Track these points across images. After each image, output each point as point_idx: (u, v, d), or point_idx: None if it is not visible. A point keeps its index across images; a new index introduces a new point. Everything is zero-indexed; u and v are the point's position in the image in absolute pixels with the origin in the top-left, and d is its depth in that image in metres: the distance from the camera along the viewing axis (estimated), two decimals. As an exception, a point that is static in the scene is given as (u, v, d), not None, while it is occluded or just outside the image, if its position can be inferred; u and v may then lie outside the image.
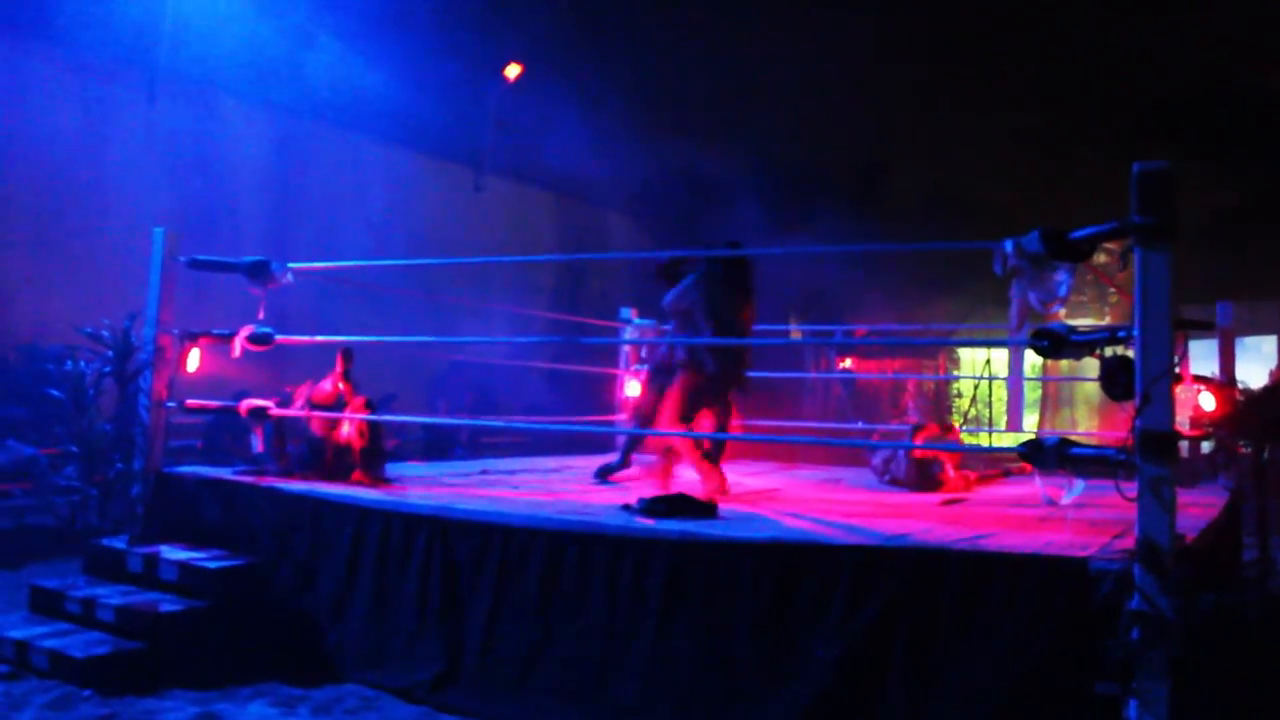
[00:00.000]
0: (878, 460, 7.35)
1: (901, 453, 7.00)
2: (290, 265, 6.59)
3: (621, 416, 9.39)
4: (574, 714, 4.65)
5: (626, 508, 5.32)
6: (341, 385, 6.55)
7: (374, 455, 6.42)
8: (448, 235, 14.77)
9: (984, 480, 6.99)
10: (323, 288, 8.92)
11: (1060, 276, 4.83)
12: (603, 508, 5.43)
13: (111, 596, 5.58)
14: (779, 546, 4.50)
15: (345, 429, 6.35)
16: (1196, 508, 5.61)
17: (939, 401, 15.15)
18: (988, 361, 15.39)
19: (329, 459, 6.35)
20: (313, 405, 6.45)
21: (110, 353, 6.42)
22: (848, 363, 14.56)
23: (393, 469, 6.82)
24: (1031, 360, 16.21)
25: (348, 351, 6.58)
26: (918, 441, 7.00)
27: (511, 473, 7.62)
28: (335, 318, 9.36)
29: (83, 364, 6.39)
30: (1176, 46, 14.10)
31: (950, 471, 7.00)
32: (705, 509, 5.23)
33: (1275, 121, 14.86)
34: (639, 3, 15.18)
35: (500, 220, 16.20)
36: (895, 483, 7.03)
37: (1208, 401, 7.44)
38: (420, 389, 13.24)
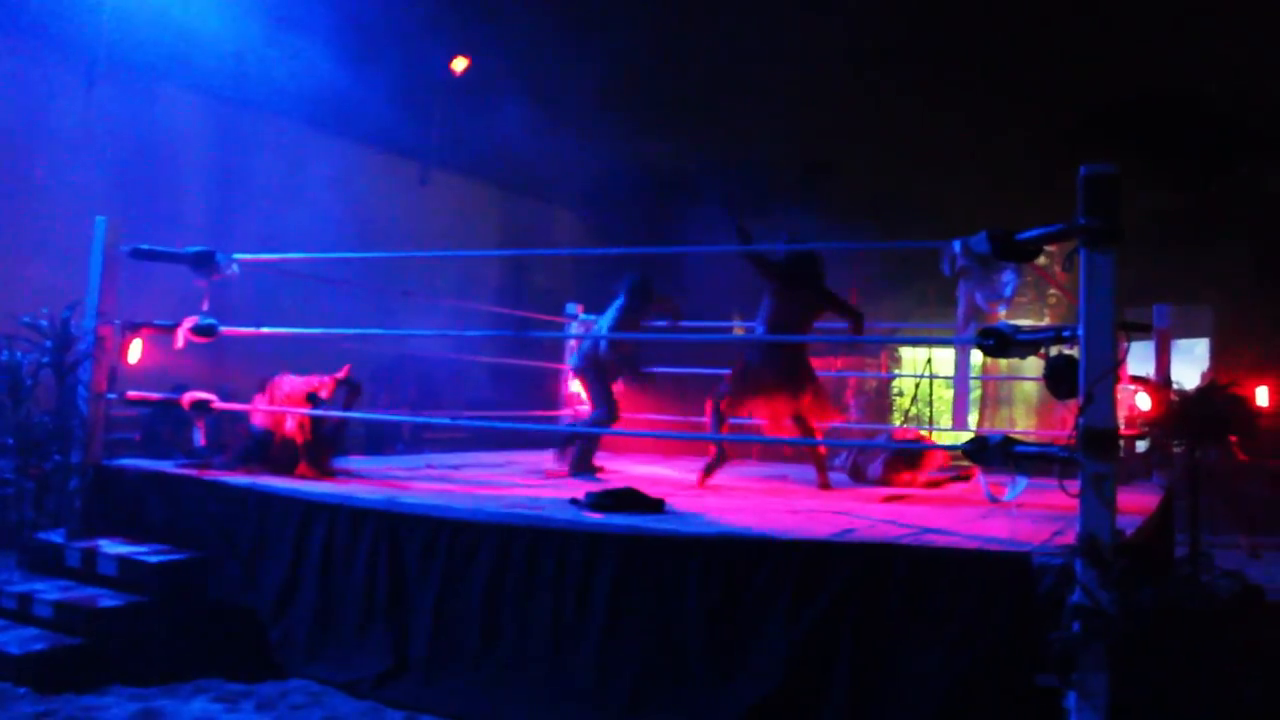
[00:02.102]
0: (843, 459, 7.54)
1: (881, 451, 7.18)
2: (236, 256, 6.52)
3: (565, 411, 9.39)
4: (523, 706, 4.64)
5: (574, 502, 5.33)
6: (325, 387, 6.51)
7: (321, 447, 6.39)
8: (394, 229, 14.64)
9: (932, 485, 7.08)
10: (266, 279, 8.80)
11: (1006, 277, 4.92)
12: (550, 502, 5.44)
13: (49, 592, 5.48)
14: (727, 541, 4.53)
15: (290, 423, 6.29)
16: (1133, 505, 5.71)
17: (880, 400, 15.29)
18: (929, 360, 15.60)
19: (277, 452, 6.30)
20: (290, 400, 6.42)
21: (49, 343, 6.31)
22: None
23: (336, 463, 6.76)
24: (975, 360, 16.44)
25: (352, 383, 6.65)
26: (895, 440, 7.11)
27: (456, 467, 7.59)
28: (279, 310, 9.25)
29: (19, 354, 6.27)
30: (1115, 51, 14.34)
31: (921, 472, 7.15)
32: (652, 504, 5.25)
33: (1208, 126, 15.18)
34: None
35: (447, 215, 16.08)
36: (866, 479, 7.22)
37: (1144, 402, 7.61)
38: (365, 382, 13.12)
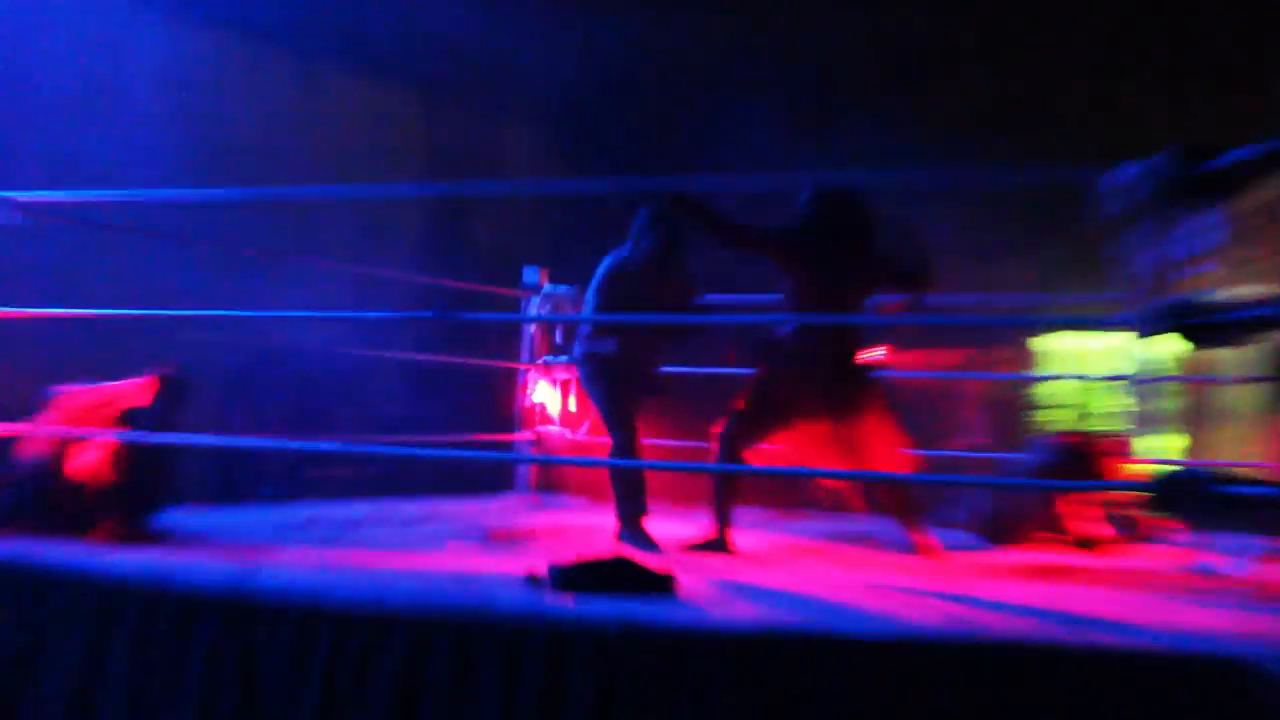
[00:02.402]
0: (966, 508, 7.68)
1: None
2: (13, 197, 6.53)
3: (523, 436, 9.49)
4: None
5: (533, 580, 5.28)
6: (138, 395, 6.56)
7: (134, 494, 6.36)
8: (262, 156, 14.64)
9: (1091, 545, 7.16)
10: (61, 233, 8.84)
11: (1207, 221, 4.96)
12: (494, 578, 5.41)
13: None
14: (774, 640, 4.49)
15: (87, 457, 6.23)
16: None
17: (1012, 414, 15.23)
18: (1079, 356, 15.55)
19: (62, 502, 6.30)
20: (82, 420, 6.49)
21: None
22: (880, 353, 14.65)
23: (157, 519, 6.70)
24: (1174, 352, 16.38)
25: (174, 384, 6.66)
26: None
27: (352, 524, 7.60)
28: (83, 281, 9.20)
29: None
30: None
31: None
32: (654, 581, 5.22)
33: None
34: None
35: (341, 134, 16.11)
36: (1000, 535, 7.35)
37: None
38: (210, 391, 13.04)
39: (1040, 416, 15.44)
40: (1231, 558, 4.83)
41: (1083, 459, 7.21)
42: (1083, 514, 7.24)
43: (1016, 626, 4.61)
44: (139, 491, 6.39)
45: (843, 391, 6.85)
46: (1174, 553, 6.57)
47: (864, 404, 6.86)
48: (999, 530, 7.34)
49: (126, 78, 13.87)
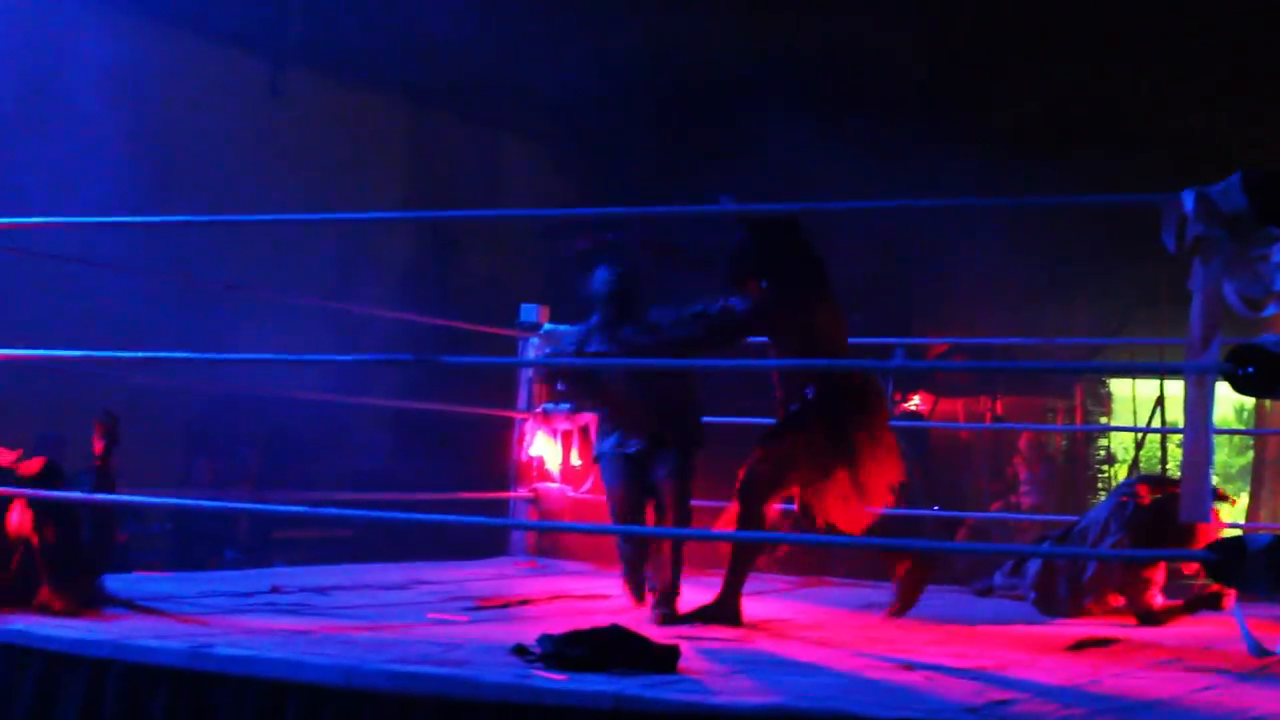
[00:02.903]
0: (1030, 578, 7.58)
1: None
2: None
3: (519, 494, 9.47)
4: None
5: (521, 652, 5.31)
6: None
7: (76, 561, 6.38)
8: (222, 175, 14.64)
9: (1152, 617, 7.12)
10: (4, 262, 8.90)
11: (1279, 255, 4.96)
12: (481, 651, 5.42)
13: None
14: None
15: (15, 517, 6.29)
16: None
17: (1074, 470, 15.23)
18: (1159, 402, 15.52)
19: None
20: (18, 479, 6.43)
21: None
22: (916, 401, 14.54)
23: (117, 584, 6.74)
24: (1240, 401, 16.27)
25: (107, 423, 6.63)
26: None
27: (323, 591, 7.59)
28: (15, 318, 9.27)
29: None
30: None
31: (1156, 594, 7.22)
32: (655, 655, 5.23)
33: None
34: None
35: (314, 149, 16.07)
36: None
37: None
38: (167, 442, 13.10)
39: (1105, 471, 15.47)
40: None
41: (1165, 521, 6.96)
42: (1148, 581, 7.22)
43: (1049, 711, 4.60)
44: (83, 556, 6.41)
45: (861, 435, 6.93)
46: (1229, 625, 6.50)
47: (878, 445, 6.96)
48: (1055, 601, 7.34)
49: (72, 85, 13.90)
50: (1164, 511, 6.96)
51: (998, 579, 8.05)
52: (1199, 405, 5.00)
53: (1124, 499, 7.40)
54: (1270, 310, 5.05)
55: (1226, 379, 4.72)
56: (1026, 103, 15.02)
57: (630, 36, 15.23)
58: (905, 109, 14.83)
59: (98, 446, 6.68)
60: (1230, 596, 6.91)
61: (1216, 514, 7.03)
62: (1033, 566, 7.63)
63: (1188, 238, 5.00)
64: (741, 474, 6.95)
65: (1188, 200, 4.95)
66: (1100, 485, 16.28)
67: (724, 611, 6.81)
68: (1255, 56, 14.34)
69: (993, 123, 14.71)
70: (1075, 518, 7.84)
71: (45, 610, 6.08)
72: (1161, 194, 5.10)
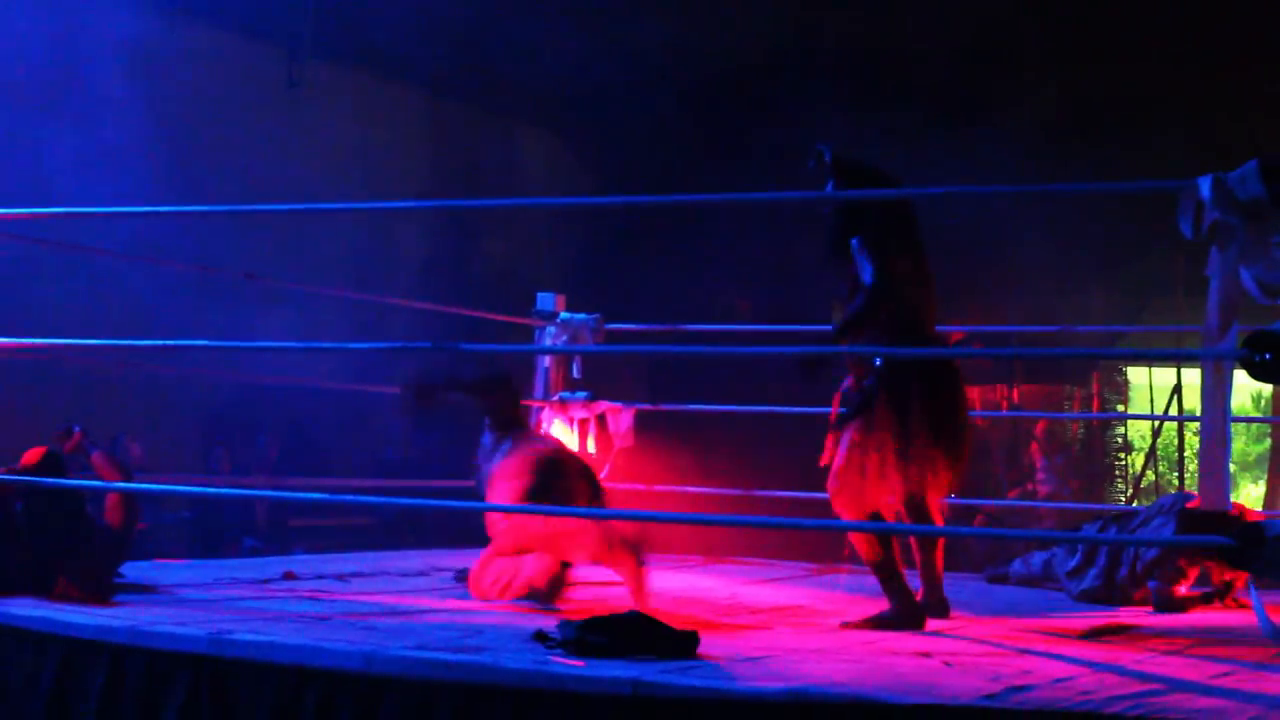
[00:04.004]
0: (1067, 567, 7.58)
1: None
2: None
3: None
4: None
5: (541, 638, 5.32)
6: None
7: (89, 551, 6.43)
8: (241, 164, 14.66)
9: (1172, 604, 7.11)
10: (12, 252, 8.88)
11: None
12: (499, 636, 5.43)
13: None
14: (808, 706, 4.50)
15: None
16: None
17: (1091, 458, 15.18)
18: (1176, 390, 15.49)
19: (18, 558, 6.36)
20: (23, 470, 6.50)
21: None
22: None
23: (136, 572, 6.79)
24: (1258, 389, 16.26)
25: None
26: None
27: (342, 578, 7.63)
28: (35, 306, 9.30)
29: None
30: None
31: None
32: (674, 641, 5.23)
33: None
34: None
35: (332, 139, 16.09)
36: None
37: None
38: (185, 431, 13.14)
39: (1121, 459, 15.43)
40: None
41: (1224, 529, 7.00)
42: (1181, 571, 7.16)
43: (1070, 690, 4.60)
44: (103, 546, 6.51)
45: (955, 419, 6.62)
46: (1245, 613, 6.51)
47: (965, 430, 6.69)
48: (1098, 592, 7.35)
49: (92, 75, 13.93)
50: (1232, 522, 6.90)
51: (1016, 566, 8.04)
52: (1216, 392, 5.00)
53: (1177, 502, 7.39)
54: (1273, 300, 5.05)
55: (1243, 365, 4.70)
56: (1048, 94, 14.97)
57: (649, 25, 15.17)
58: (928, 100, 14.80)
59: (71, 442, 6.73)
60: (1239, 583, 6.95)
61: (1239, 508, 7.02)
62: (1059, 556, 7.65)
63: (1205, 224, 5.00)
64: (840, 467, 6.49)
65: (1205, 187, 4.95)
66: (1117, 473, 16.27)
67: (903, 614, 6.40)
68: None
69: (1017, 115, 14.65)
70: (1109, 506, 7.75)
71: (65, 598, 6.11)
72: (1179, 180, 5.09)
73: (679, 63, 15.69)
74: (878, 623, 6.24)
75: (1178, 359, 14.70)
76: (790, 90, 14.81)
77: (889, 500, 6.48)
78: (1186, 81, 14.61)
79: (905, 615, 6.29)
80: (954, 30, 14.95)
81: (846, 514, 6.47)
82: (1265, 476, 16.55)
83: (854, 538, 6.55)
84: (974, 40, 14.97)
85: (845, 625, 6.29)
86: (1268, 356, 4.61)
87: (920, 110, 14.18)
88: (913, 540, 6.74)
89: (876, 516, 6.45)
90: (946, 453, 6.52)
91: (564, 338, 9.43)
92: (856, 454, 6.41)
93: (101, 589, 6.28)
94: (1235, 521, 5.87)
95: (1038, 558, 7.95)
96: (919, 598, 6.52)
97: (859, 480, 6.40)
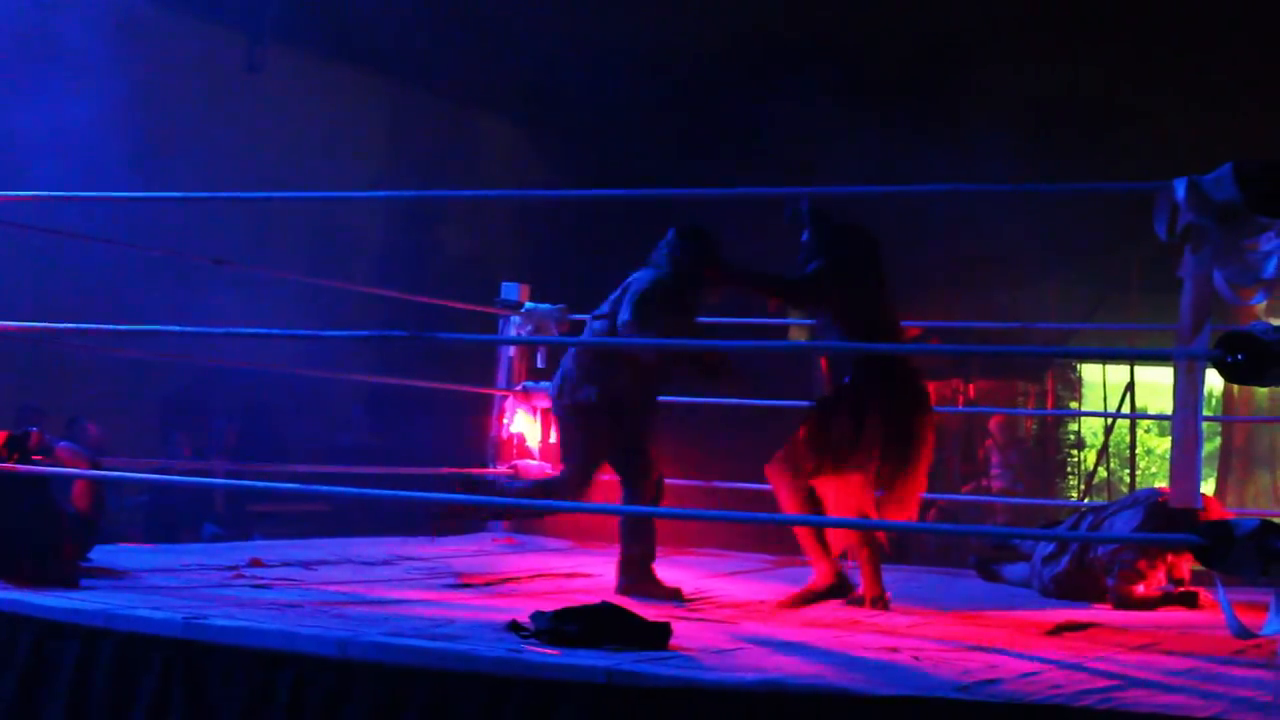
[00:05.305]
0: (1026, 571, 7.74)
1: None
2: None
3: (499, 471, 9.45)
4: None
5: (514, 627, 5.34)
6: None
7: (53, 537, 6.40)
8: (209, 149, 14.60)
9: (1134, 603, 7.15)
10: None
11: (1268, 244, 5.01)
12: (472, 626, 5.44)
13: None
14: (781, 698, 4.52)
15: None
16: None
17: (1045, 454, 15.26)
18: (1129, 388, 15.59)
19: None
20: None
21: None
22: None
23: (101, 555, 6.80)
24: (1210, 388, 16.34)
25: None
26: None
27: (307, 565, 7.62)
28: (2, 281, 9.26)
29: None
30: None
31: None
32: (647, 632, 5.26)
33: None
34: None
35: (292, 125, 16.02)
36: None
37: None
38: (143, 414, 13.08)
39: (1074, 455, 15.49)
40: (1272, 617, 4.85)
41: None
42: (1140, 572, 7.19)
43: (1040, 684, 4.65)
44: (72, 529, 6.49)
45: (908, 423, 6.89)
46: (1210, 610, 6.66)
47: (920, 436, 6.93)
48: (1072, 575, 7.41)
49: (49, 60, 13.84)
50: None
51: (1011, 570, 8.04)
52: (1188, 392, 5.04)
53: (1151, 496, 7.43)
54: (1259, 299, 5.10)
55: (1216, 366, 4.74)
56: (1012, 91, 15.02)
57: (615, 17, 15.18)
58: (891, 93, 14.83)
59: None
60: (1201, 599, 7.05)
61: (1211, 503, 7.09)
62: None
63: (1179, 226, 5.02)
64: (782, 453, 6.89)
65: (1180, 189, 4.97)
66: (1070, 470, 16.37)
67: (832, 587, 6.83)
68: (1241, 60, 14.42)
69: (982, 109, 14.68)
70: (1065, 502, 7.75)
71: (33, 583, 6.06)
72: (1155, 182, 5.12)
73: (645, 55, 15.68)
74: (805, 596, 6.71)
75: (1144, 358, 14.78)
76: (756, 83, 14.83)
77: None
78: (1152, 79, 14.69)
79: (832, 585, 6.76)
80: (919, 23, 15.01)
81: (778, 484, 6.85)
82: (1214, 475, 16.66)
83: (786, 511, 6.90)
84: (940, 33, 15.03)
85: (781, 605, 6.66)
86: (1240, 357, 4.64)
87: (884, 104, 14.20)
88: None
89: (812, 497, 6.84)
90: (895, 468, 6.82)
91: (528, 328, 9.43)
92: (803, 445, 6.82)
93: (70, 574, 6.26)
94: (1205, 519, 6.00)
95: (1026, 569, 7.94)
96: (862, 590, 6.83)
97: (799, 460, 6.82)
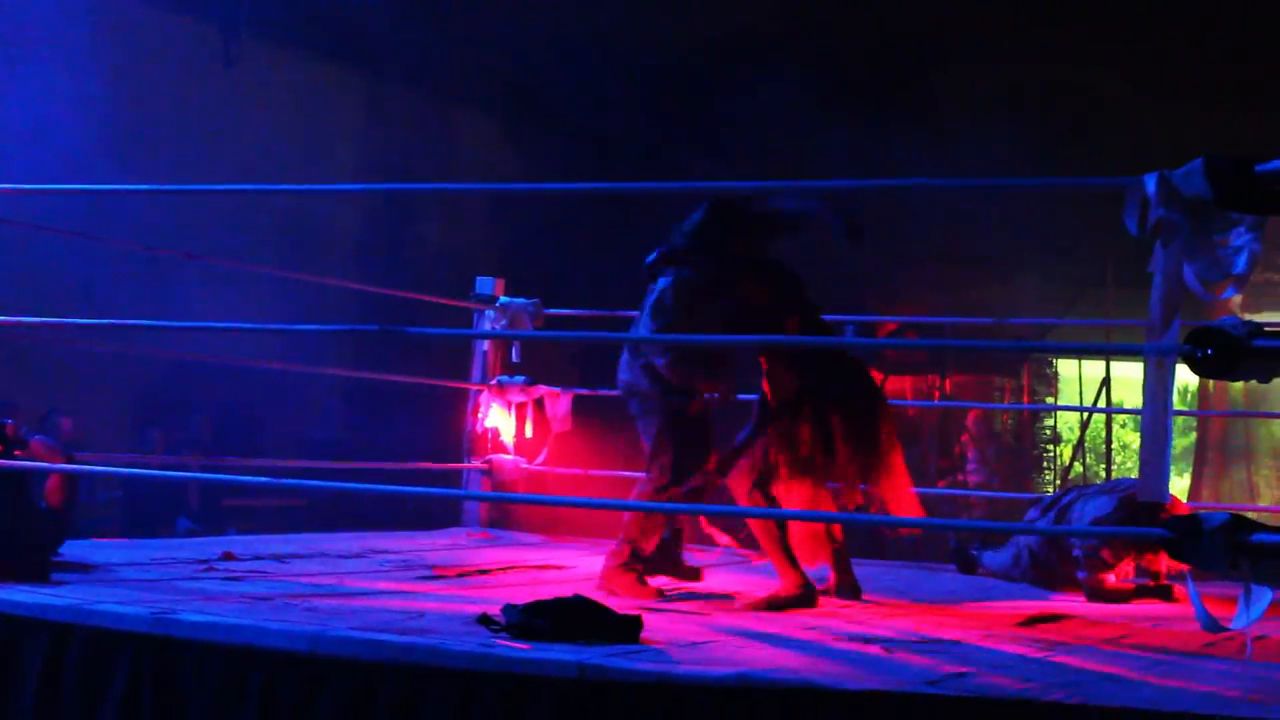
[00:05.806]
0: (1007, 556, 7.73)
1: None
2: None
3: (473, 465, 9.48)
4: None
5: (485, 621, 5.33)
6: None
7: (32, 529, 6.42)
8: (184, 141, 14.57)
9: (1106, 596, 7.15)
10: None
11: (1238, 240, 5.01)
12: (442, 620, 5.43)
13: None
14: (751, 691, 4.52)
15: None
16: None
17: (1021, 449, 15.27)
18: (1104, 383, 15.62)
19: None
20: None
21: None
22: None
23: (73, 550, 6.77)
24: (1185, 382, 16.41)
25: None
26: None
27: (280, 559, 7.60)
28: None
29: None
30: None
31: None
32: (618, 625, 5.25)
33: None
34: None
35: (268, 118, 15.99)
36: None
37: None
38: (119, 411, 13.05)
39: (1050, 450, 15.51)
40: (1242, 610, 4.87)
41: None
42: (1106, 562, 7.20)
43: (1006, 684, 4.63)
44: (43, 524, 6.50)
45: (867, 415, 6.93)
46: (1180, 603, 6.67)
47: (879, 424, 6.94)
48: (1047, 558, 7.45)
49: (24, 51, 13.80)
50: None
51: (991, 558, 8.03)
52: (1159, 387, 5.04)
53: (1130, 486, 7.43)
54: (1229, 293, 5.09)
55: (1186, 361, 4.75)
56: (983, 84, 15.02)
57: (590, 10, 15.16)
58: (868, 90, 14.83)
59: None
60: (1175, 592, 7.04)
61: (1178, 500, 7.11)
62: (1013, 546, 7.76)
63: (1149, 221, 5.03)
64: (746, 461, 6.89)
65: (1150, 184, 4.98)
66: (1045, 464, 16.41)
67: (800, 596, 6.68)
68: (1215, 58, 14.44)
69: (958, 105, 14.70)
70: (1083, 503, 7.69)
71: (4, 577, 6.03)
72: (1125, 177, 5.13)
73: (621, 49, 15.67)
74: (772, 603, 6.51)
75: (1116, 353, 14.80)
76: (731, 78, 14.81)
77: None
78: (1125, 74, 14.70)
79: (799, 594, 6.57)
80: (897, 19, 15.01)
81: (740, 494, 6.92)
82: (1190, 469, 16.71)
83: (750, 521, 6.95)
84: (917, 29, 15.03)
85: (746, 606, 6.53)
86: (1210, 352, 4.65)
87: (861, 99, 14.20)
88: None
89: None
90: (865, 460, 6.88)
91: (503, 322, 9.44)
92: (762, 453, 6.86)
93: (41, 568, 6.25)
94: (1171, 514, 6.02)
95: (1007, 553, 7.93)
96: (831, 583, 6.91)
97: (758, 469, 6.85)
